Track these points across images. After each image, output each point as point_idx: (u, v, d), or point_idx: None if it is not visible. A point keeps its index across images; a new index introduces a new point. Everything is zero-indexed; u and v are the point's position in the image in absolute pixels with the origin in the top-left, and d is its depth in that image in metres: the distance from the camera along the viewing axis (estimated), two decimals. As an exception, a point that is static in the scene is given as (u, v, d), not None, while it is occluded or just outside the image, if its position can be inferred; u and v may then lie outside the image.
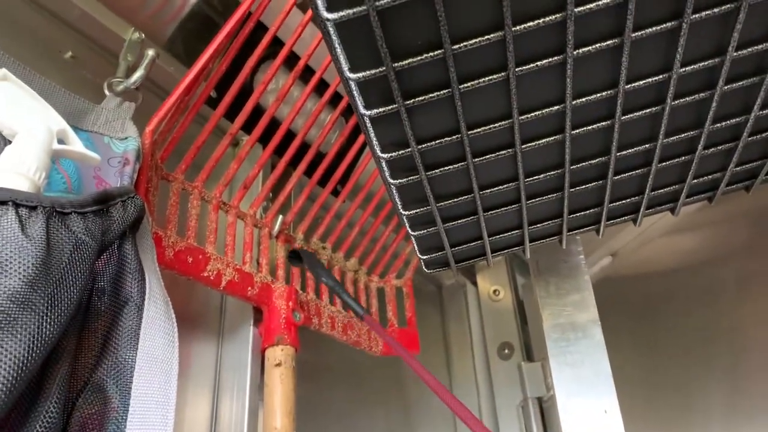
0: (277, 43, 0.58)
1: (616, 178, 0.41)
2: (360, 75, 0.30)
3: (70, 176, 0.44)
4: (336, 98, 0.64)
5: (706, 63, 0.33)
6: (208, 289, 0.55)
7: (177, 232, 0.51)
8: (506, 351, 0.91)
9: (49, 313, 0.32)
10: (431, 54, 0.29)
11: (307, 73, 0.61)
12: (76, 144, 0.40)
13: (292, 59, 0.59)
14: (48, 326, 0.32)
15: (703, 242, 0.75)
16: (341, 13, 0.27)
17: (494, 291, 0.96)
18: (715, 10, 0.30)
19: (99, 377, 0.36)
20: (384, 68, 0.29)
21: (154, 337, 0.38)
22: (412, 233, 0.42)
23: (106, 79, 0.53)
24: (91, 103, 0.48)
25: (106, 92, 0.50)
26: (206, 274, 0.52)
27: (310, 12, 0.58)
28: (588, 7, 0.28)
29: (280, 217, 0.62)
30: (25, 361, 0.30)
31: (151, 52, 0.52)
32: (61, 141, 0.39)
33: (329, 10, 0.27)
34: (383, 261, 0.72)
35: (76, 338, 0.36)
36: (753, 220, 0.72)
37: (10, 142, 0.38)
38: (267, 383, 0.54)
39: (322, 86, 0.63)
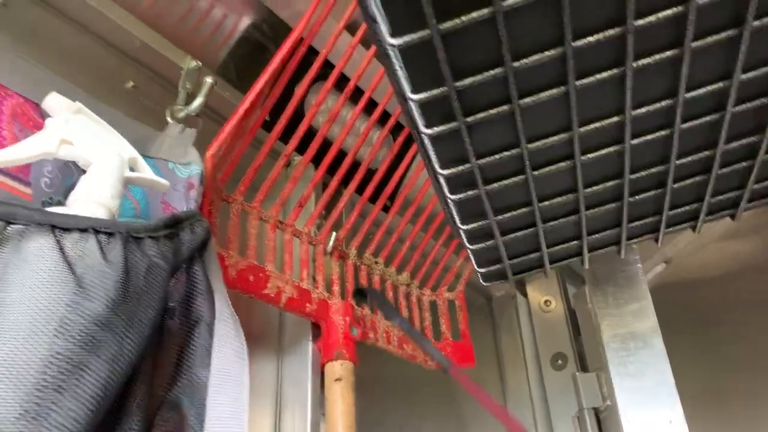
0: (326, 65, 0.60)
1: (675, 185, 0.40)
2: (421, 96, 0.30)
3: (139, 202, 0.46)
4: (384, 116, 0.65)
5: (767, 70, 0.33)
6: (266, 306, 0.56)
7: (238, 252, 0.53)
8: (559, 362, 0.90)
9: (128, 334, 0.34)
10: (492, 72, 0.30)
11: (355, 93, 0.63)
12: (146, 171, 0.41)
13: (341, 80, 0.61)
14: (128, 346, 0.33)
15: (761, 246, 0.74)
16: (405, 39, 0.27)
17: (545, 301, 0.95)
18: (776, 16, 0.30)
19: (174, 395, 0.38)
20: (446, 88, 0.30)
21: (226, 355, 0.39)
22: (470, 247, 0.42)
23: (164, 106, 0.55)
24: (156, 130, 0.50)
25: (169, 119, 0.52)
26: (267, 292, 0.53)
27: (359, 34, 0.59)
28: (648, 20, 0.29)
29: (334, 233, 0.64)
30: (109, 380, 0.32)
31: (209, 80, 0.53)
32: (131, 169, 0.41)
33: (393, 35, 0.28)
34: (435, 274, 0.73)
35: (152, 358, 0.38)
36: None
37: (84, 171, 0.40)
38: (328, 398, 0.55)
39: (370, 105, 0.64)
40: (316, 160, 0.62)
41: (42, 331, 0.30)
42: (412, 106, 0.32)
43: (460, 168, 0.35)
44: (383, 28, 0.28)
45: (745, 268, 0.77)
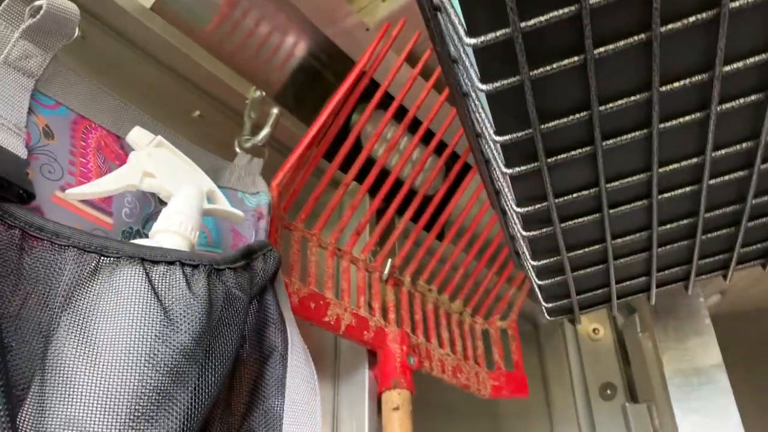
0: (384, 95, 0.60)
1: (749, 224, 0.40)
2: (506, 138, 0.31)
3: (210, 230, 0.47)
4: (440, 146, 0.66)
5: None
6: (322, 332, 0.57)
7: (300, 279, 0.54)
8: (608, 391, 0.89)
9: (210, 365, 0.35)
10: (578, 116, 0.30)
11: (413, 123, 0.63)
12: (223, 203, 0.43)
13: (397, 110, 0.62)
14: (210, 377, 0.34)
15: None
16: (495, 84, 0.28)
17: (594, 330, 0.94)
18: None
19: (250, 425, 0.38)
20: (530, 130, 0.30)
21: (299, 385, 0.40)
22: (539, 282, 0.43)
23: (228, 134, 0.57)
24: (225, 160, 0.51)
25: (237, 150, 0.53)
26: (327, 319, 0.54)
27: (419, 66, 0.60)
28: (735, 66, 0.29)
29: (390, 260, 0.64)
30: (194, 411, 0.33)
31: (275, 111, 0.55)
32: (209, 200, 0.42)
33: (483, 81, 0.28)
34: (487, 303, 0.73)
35: (228, 388, 0.39)
36: None
37: (165, 203, 0.41)
38: (385, 426, 0.55)
39: (427, 136, 0.65)
40: (373, 189, 0.63)
41: (134, 362, 0.31)
42: (493, 146, 0.33)
43: (537, 206, 0.35)
44: (472, 73, 0.29)
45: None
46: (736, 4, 0.26)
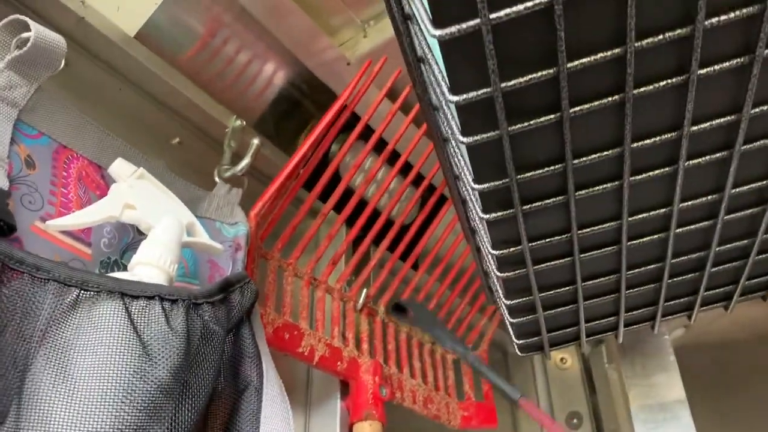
0: (365, 127, 0.62)
1: (713, 270, 0.42)
2: (484, 186, 0.32)
3: (188, 261, 0.47)
4: (418, 178, 0.67)
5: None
6: (294, 362, 0.57)
7: (275, 309, 0.54)
8: (575, 420, 0.90)
9: (186, 401, 0.35)
10: (552, 168, 0.31)
11: (392, 155, 0.65)
12: (202, 236, 0.43)
13: (377, 142, 0.63)
14: (186, 413, 0.34)
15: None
16: (475, 138, 0.29)
17: (561, 359, 0.96)
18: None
19: (223, 459, 0.38)
20: (507, 180, 0.32)
21: (274, 419, 0.40)
22: (511, 320, 0.44)
23: (207, 162, 0.57)
24: (204, 190, 0.51)
25: (216, 179, 0.53)
26: (301, 350, 0.54)
27: (399, 101, 0.61)
28: (701, 126, 0.30)
29: (365, 290, 0.65)
30: (168, 447, 0.33)
31: (255, 141, 0.55)
32: (188, 233, 0.43)
33: (464, 134, 0.29)
34: (459, 331, 0.74)
35: (203, 422, 0.39)
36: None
37: (143, 233, 0.41)
38: (357, 458, 0.55)
39: (405, 168, 0.66)
40: (351, 219, 0.63)
41: (111, 398, 0.31)
42: (474, 194, 0.34)
43: (512, 249, 0.36)
44: (453, 124, 0.30)
45: (764, 334, 0.77)
46: (704, 71, 0.28)
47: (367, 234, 0.64)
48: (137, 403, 0.32)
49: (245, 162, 0.54)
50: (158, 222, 0.41)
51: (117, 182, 0.42)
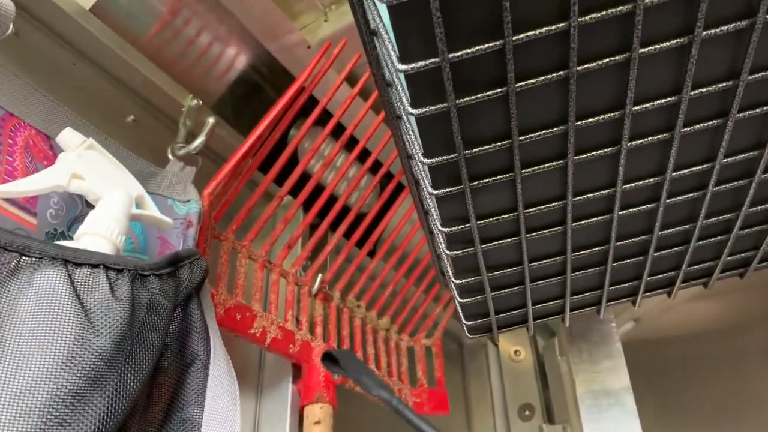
0: (323, 112, 0.62)
1: (656, 254, 0.43)
2: (433, 160, 0.32)
3: (137, 237, 0.47)
4: (375, 165, 0.67)
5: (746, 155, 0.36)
6: (247, 344, 0.57)
7: (227, 290, 0.54)
8: (527, 412, 0.92)
9: (129, 371, 0.34)
10: (499, 144, 0.32)
11: (350, 141, 0.65)
12: (152, 209, 0.42)
13: (335, 127, 0.63)
14: (129, 384, 0.34)
15: (726, 310, 0.77)
16: (425, 109, 0.30)
17: (515, 351, 0.97)
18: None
19: (167, 432, 0.38)
20: (456, 155, 0.32)
21: (220, 395, 0.40)
22: (460, 300, 0.44)
23: (162, 142, 0.56)
24: (157, 167, 0.51)
25: (170, 156, 0.53)
26: (253, 332, 0.54)
27: (358, 86, 0.61)
28: (643, 106, 0.31)
29: (320, 275, 0.65)
30: (110, 417, 0.32)
31: (211, 120, 0.55)
32: (138, 206, 0.42)
33: (413, 106, 0.30)
34: (413, 321, 0.74)
35: (146, 395, 0.38)
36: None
37: (92, 206, 0.41)
38: (306, 440, 0.55)
39: (363, 154, 0.66)
40: (307, 204, 0.63)
41: (50, 364, 0.31)
42: (423, 168, 0.34)
43: (461, 227, 0.37)
44: (403, 97, 0.30)
45: (710, 330, 0.80)
46: (646, 50, 0.29)
47: (323, 219, 0.64)
48: (77, 370, 0.31)
49: (200, 140, 0.54)
50: (107, 193, 0.40)
51: (65, 152, 0.41)
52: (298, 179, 0.61)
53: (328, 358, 0.56)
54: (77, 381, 0.31)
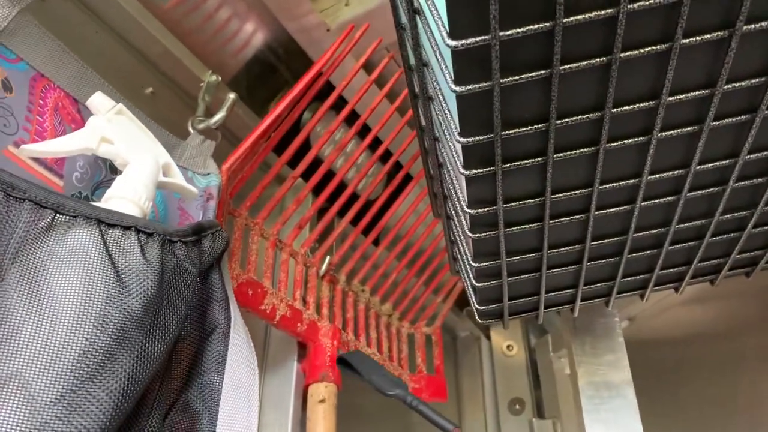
0: (338, 98, 0.62)
1: (670, 248, 0.44)
2: (469, 140, 0.33)
3: (158, 206, 0.47)
4: (386, 155, 0.68)
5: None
6: (252, 322, 0.57)
7: (239, 266, 0.54)
8: (517, 407, 0.93)
9: (156, 334, 0.35)
10: (536, 126, 0.33)
11: (363, 129, 0.65)
12: (178, 177, 0.43)
13: (349, 113, 0.63)
14: (156, 346, 0.34)
15: (720, 315, 0.78)
16: (468, 87, 0.30)
17: (508, 346, 0.98)
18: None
19: (187, 398, 0.38)
20: (492, 135, 0.33)
21: (239, 364, 0.40)
22: (476, 284, 0.45)
23: (178, 116, 0.56)
24: (179, 138, 0.51)
25: (190, 129, 0.53)
26: (263, 308, 0.55)
27: (376, 72, 0.62)
28: (678, 97, 0.32)
29: (328, 257, 0.65)
30: (137, 377, 0.33)
31: (231, 96, 0.55)
32: (164, 174, 0.42)
33: (457, 83, 0.30)
34: (414, 309, 0.75)
35: (167, 361, 0.39)
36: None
37: (117, 172, 0.41)
38: (310, 418, 0.56)
39: (375, 143, 0.66)
40: (317, 188, 0.64)
41: (82, 321, 0.31)
42: (453, 148, 0.35)
43: (487, 209, 0.38)
44: (446, 75, 0.31)
45: (704, 333, 0.81)
46: (686, 41, 0.30)
47: (332, 204, 0.65)
48: (107, 328, 0.32)
49: (220, 115, 0.54)
50: (135, 159, 0.40)
51: (95, 115, 0.41)
52: (310, 163, 0.61)
53: (342, 362, 0.58)
54: (108, 340, 0.32)
